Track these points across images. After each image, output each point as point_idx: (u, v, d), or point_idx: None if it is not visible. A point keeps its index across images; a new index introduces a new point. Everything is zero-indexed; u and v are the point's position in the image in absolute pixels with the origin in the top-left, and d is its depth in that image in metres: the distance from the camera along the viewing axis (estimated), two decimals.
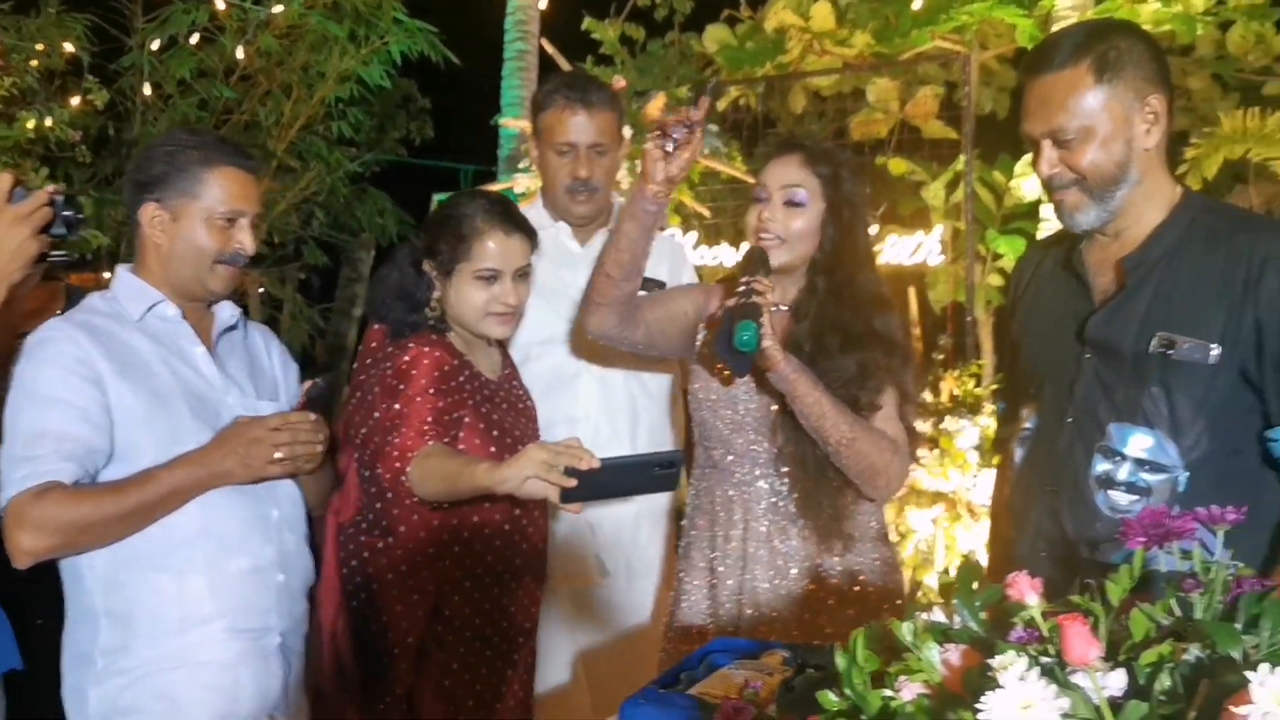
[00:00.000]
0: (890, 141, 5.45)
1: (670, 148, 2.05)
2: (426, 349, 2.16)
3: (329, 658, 2.19)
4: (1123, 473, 1.77)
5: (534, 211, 2.67)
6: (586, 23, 5.64)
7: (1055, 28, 4.66)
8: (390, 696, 2.13)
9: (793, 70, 5.07)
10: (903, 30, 4.69)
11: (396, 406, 2.10)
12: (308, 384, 2.17)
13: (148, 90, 5.51)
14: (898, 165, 5.33)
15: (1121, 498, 1.77)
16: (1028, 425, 1.94)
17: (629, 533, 2.65)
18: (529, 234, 2.25)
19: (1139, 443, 1.76)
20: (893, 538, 3.87)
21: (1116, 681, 0.92)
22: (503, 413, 2.27)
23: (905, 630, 0.98)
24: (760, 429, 2.18)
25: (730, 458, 2.21)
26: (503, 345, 2.42)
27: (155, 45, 5.71)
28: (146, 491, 1.89)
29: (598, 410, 2.52)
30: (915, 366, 2.26)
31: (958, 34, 4.96)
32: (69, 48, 5.17)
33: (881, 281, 2.25)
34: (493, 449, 2.17)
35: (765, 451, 2.18)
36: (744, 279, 2.02)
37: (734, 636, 2.10)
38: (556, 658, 2.57)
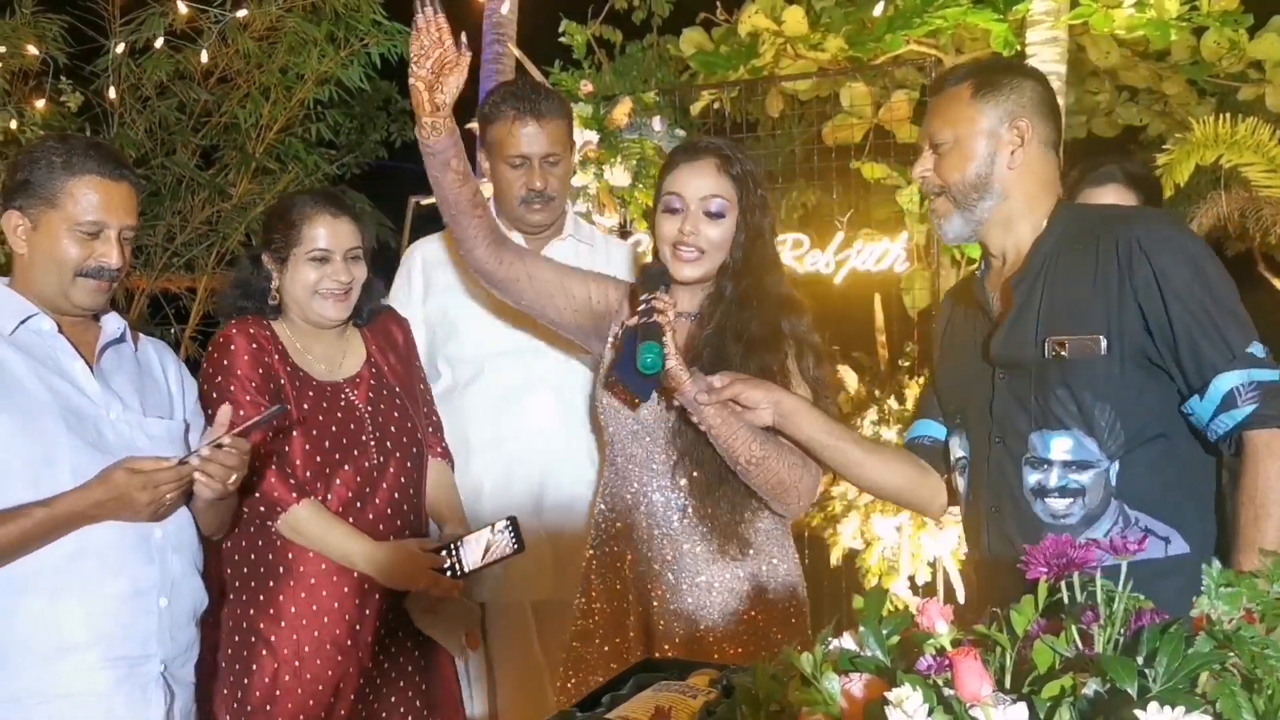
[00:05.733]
0: (865, 146, 5.44)
1: (424, 71, 1.99)
2: (238, 327, 2.32)
3: None
4: (1053, 479, 1.79)
5: None
6: (564, 26, 5.62)
7: (1030, 33, 4.67)
8: None
9: (766, 74, 5.07)
10: (877, 35, 4.69)
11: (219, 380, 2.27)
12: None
13: (112, 94, 5.46)
14: (872, 170, 5.33)
15: (1057, 503, 1.79)
16: (962, 454, 1.96)
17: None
18: (356, 218, 2.36)
19: (1060, 446, 1.79)
20: (858, 545, 3.89)
21: (1017, 716, 0.91)
22: (325, 414, 2.31)
23: (805, 661, 0.98)
24: (657, 437, 2.15)
25: (631, 466, 2.18)
26: (378, 355, 2.43)
27: (132, 48, 5.67)
28: (22, 526, 1.83)
29: (555, 423, 2.49)
30: (830, 365, 2.25)
31: (932, 38, 4.96)
32: (33, 50, 5.11)
33: (787, 283, 2.21)
34: (306, 450, 2.27)
35: (662, 462, 2.14)
36: (644, 297, 1.98)
37: (647, 653, 2.09)
38: (522, 674, 2.55)
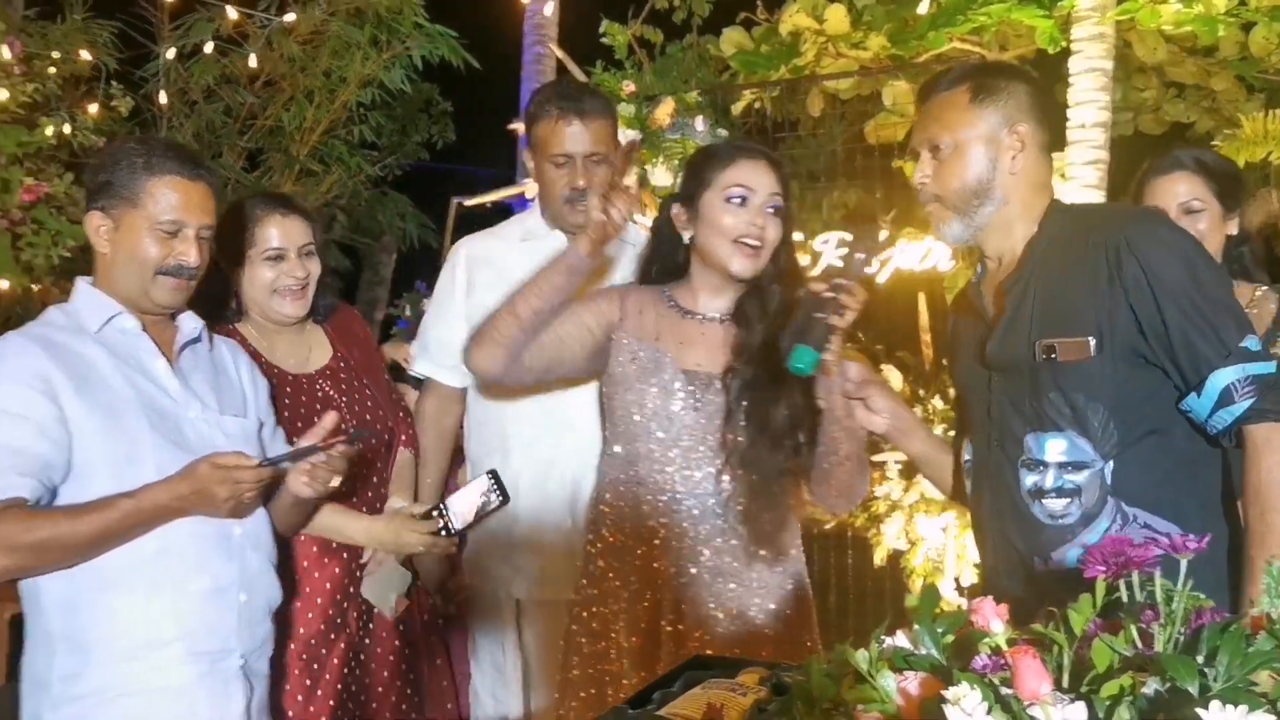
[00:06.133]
0: (907, 145, 5.41)
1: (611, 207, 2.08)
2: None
3: None
4: (1049, 480, 1.79)
5: (531, 220, 2.69)
6: (604, 26, 5.63)
7: (1076, 29, 4.62)
8: None
9: (807, 74, 5.05)
10: (919, 33, 4.66)
11: None
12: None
13: (164, 99, 5.54)
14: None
15: (1055, 504, 1.79)
16: (967, 457, 1.98)
17: None
18: (306, 215, 2.46)
19: (1054, 447, 1.79)
20: (902, 546, 3.87)
21: (1076, 715, 0.91)
22: (306, 407, 2.39)
23: (861, 658, 0.98)
24: (695, 447, 2.13)
25: (656, 474, 2.15)
26: (342, 349, 2.52)
27: (181, 53, 5.76)
28: (107, 517, 1.85)
29: (592, 423, 2.47)
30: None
31: (976, 35, 4.92)
32: (86, 55, 5.20)
33: None
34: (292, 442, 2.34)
35: (699, 469, 2.13)
36: (838, 281, 1.90)
37: (675, 659, 2.06)
38: (550, 675, 2.56)
